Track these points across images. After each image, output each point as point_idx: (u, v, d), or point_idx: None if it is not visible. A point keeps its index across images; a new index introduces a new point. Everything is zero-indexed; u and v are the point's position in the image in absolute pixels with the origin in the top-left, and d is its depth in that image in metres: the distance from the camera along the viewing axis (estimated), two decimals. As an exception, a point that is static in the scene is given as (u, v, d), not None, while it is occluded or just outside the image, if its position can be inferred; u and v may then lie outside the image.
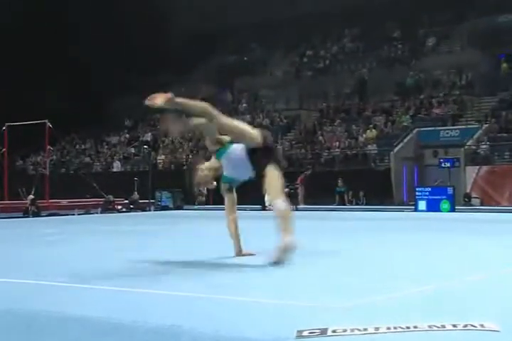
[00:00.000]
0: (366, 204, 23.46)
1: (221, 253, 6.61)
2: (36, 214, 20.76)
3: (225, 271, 5.57)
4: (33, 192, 23.18)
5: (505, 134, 24.60)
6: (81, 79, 34.72)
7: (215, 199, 25.50)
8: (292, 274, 5.27)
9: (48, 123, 25.32)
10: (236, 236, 6.34)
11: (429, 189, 20.19)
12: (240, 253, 6.33)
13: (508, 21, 30.02)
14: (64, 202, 24.25)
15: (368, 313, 3.55)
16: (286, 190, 21.42)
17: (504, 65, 27.89)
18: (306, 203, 23.68)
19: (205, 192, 25.51)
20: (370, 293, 4.21)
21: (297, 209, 21.38)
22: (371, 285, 4.60)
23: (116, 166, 32.70)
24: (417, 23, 33.03)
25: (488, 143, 24.35)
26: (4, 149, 25.26)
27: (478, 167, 23.29)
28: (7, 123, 25.62)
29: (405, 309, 3.69)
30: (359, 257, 6.62)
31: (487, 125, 25.30)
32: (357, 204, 24.09)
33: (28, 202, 21.75)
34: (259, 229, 8.67)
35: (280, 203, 5.80)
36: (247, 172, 6.18)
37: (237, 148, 6.11)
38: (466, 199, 22.23)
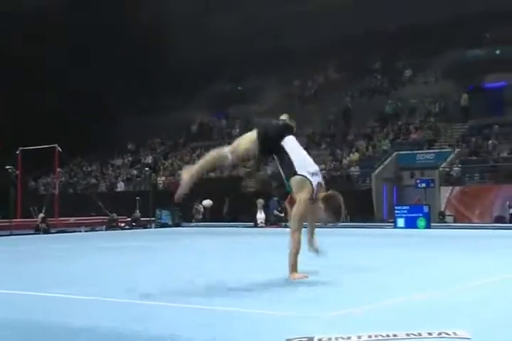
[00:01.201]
0: (350, 222, 23.41)
1: (217, 266, 6.60)
2: (46, 231, 20.63)
3: (218, 283, 5.56)
4: (43, 211, 23.03)
5: (474, 157, 24.71)
6: (88, 106, 34.72)
7: (211, 216, 25.57)
8: (281, 286, 5.27)
9: (58, 148, 25.32)
10: None
11: (407, 207, 20.16)
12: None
13: (476, 56, 30.32)
14: (72, 219, 24.12)
15: (351, 322, 3.55)
16: (276, 212, 21.58)
17: (465, 96, 27.98)
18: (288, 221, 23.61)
19: (201, 209, 25.48)
20: (353, 304, 4.21)
21: (286, 227, 21.41)
22: (353, 297, 4.61)
23: (120, 186, 32.64)
24: (395, 56, 33.28)
25: (459, 165, 24.42)
26: (18, 171, 25.16)
27: (451, 187, 23.32)
28: (20, 148, 25.59)
29: (385, 318, 3.69)
30: (344, 271, 6.60)
31: (459, 149, 25.40)
32: (341, 221, 24.03)
33: (39, 219, 21.62)
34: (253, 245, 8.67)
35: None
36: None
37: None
38: (441, 217, 22.21)
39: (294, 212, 5.47)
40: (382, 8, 31.77)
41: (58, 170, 28.47)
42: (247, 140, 5.84)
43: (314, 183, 5.49)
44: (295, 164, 5.57)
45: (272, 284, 5.38)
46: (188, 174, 5.71)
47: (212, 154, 5.86)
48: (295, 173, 5.54)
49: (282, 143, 5.67)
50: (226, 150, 5.77)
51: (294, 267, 5.47)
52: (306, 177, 5.49)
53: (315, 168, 5.71)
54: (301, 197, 5.40)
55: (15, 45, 32.49)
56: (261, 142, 5.74)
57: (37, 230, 20.86)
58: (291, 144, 5.69)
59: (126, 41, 35.26)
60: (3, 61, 31.38)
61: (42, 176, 34.85)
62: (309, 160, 5.78)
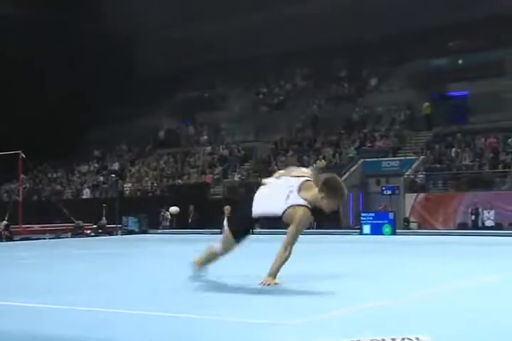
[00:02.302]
0: (315, 228, 23.51)
1: (184, 272, 6.58)
2: (9, 239, 20.34)
3: (187, 290, 5.56)
4: (6, 218, 22.69)
5: (438, 165, 24.96)
6: (53, 112, 34.32)
7: (178, 223, 25.47)
8: (249, 293, 5.29)
9: (22, 154, 24.99)
10: None
11: (373, 214, 20.34)
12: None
13: (440, 65, 30.72)
14: (36, 227, 23.77)
15: (317, 329, 3.58)
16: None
17: (426, 104, 28.28)
18: (262, 227, 23.63)
19: (168, 216, 25.36)
20: (318, 311, 4.25)
21: (253, 233, 21.36)
22: (321, 303, 4.65)
23: (86, 193, 32.31)
24: (361, 64, 33.55)
25: (424, 173, 24.67)
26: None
27: (415, 194, 23.52)
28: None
29: (351, 324, 3.73)
30: (311, 278, 6.63)
31: (423, 157, 25.62)
32: (308, 228, 24.11)
33: (2, 227, 21.30)
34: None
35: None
36: None
37: None
38: (406, 224, 22.41)
39: (293, 228, 5.61)
40: (349, 18, 32.03)
41: (22, 176, 28.10)
42: None
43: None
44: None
45: (241, 290, 5.39)
46: None
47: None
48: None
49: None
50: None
51: (276, 274, 5.59)
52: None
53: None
54: (299, 214, 5.55)
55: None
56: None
57: None
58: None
59: (98, 49, 35.00)
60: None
61: (4, 183, 34.32)
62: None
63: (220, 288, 5.57)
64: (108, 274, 7.38)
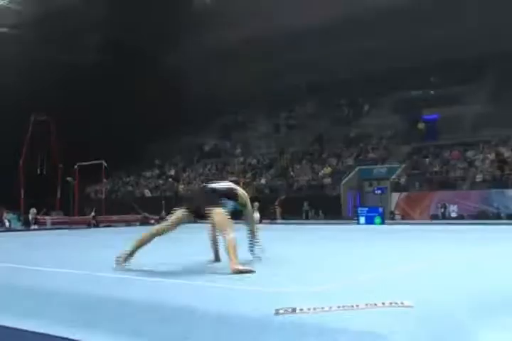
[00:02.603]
0: (324, 219, 23.44)
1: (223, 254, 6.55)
2: (96, 226, 20.62)
3: (222, 267, 5.53)
4: (94, 211, 23.02)
5: (416, 171, 24.78)
6: (126, 132, 34.70)
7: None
8: (272, 269, 5.25)
9: (104, 163, 25.37)
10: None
11: (367, 208, 20.21)
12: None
13: (416, 95, 30.55)
14: (114, 217, 24.09)
15: (324, 296, 3.54)
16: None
17: (420, 124, 28.15)
18: (282, 218, 23.62)
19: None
20: (324, 282, 4.20)
21: (276, 223, 21.37)
22: (326, 277, 4.60)
23: (147, 193, 32.52)
24: (357, 94, 33.44)
25: (405, 177, 24.49)
26: (75, 181, 25.19)
27: (399, 193, 23.37)
28: (78, 163, 25.63)
29: (350, 293, 3.69)
30: (318, 256, 6.57)
31: (404, 165, 25.47)
32: (317, 219, 24.04)
33: (91, 217, 21.62)
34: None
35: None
36: None
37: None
38: (392, 216, 22.24)
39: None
40: (345, 57, 31.90)
41: (104, 180, 28.49)
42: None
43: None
44: None
45: (262, 267, 5.35)
46: None
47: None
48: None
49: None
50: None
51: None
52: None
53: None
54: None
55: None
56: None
57: (89, 225, 20.84)
58: None
59: (157, 86, 35.36)
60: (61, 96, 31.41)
61: (92, 184, 34.83)
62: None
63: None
64: (152, 253, 7.37)
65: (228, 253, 4.70)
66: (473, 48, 27.48)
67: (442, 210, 21.61)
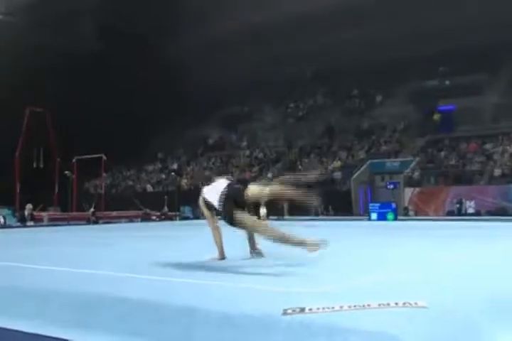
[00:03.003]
0: (334, 215, 23.43)
1: (228, 251, 6.56)
2: (95, 222, 20.71)
3: (229, 264, 5.55)
4: (93, 206, 23.11)
5: (430, 165, 24.71)
6: (127, 125, 34.77)
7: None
8: (279, 268, 5.25)
9: (104, 157, 25.44)
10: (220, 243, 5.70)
11: (379, 204, 20.18)
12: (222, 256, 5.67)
13: (431, 85, 30.40)
14: (114, 213, 24.19)
15: (334, 296, 3.54)
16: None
17: (435, 116, 28.07)
18: (289, 215, 23.63)
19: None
20: (335, 281, 4.20)
21: (283, 219, 21.37)
22: (337, 275, 4.59)
23: (149, 188, 32.62)
24: (369, 84, 33.32)
25: (419, 171, 24.42)
26: (74, 175, 25.29)
27: (413, 188, 23.31)
28: (76, 157, 25.73)
29: (362, 292, 3.68)
30: (328, 255, 6.55)
31: (418, 158, 25.39)
32: (327, 215, 24.04)
33: (90, 213, 21.71)
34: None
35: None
36: None
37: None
38: (405, 211, 22.21)
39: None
40: (360, 46, 31.85)
41: (104, 174, 28.57)
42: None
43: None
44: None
45: (269, 266, 5.36)
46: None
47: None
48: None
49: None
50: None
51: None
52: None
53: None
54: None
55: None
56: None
57: (88, 221, 20.94)
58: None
59: (159, 77, 35.38)
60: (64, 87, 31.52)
61: (92, 179, 34.95)
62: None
63: (251, 263, 5.52)
64: (167, 252, 7.41)
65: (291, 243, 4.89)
66: (491, 35, 27.28)
67: (458, 206, 21.54)
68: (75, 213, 24.11)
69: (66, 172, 24.28)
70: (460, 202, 21.52)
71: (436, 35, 29.62)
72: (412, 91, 30.66)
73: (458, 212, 21.38)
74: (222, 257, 5.64)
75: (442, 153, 25.19)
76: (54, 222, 20.69)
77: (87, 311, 3.42)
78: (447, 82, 30.25)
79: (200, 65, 36.42)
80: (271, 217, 19.94)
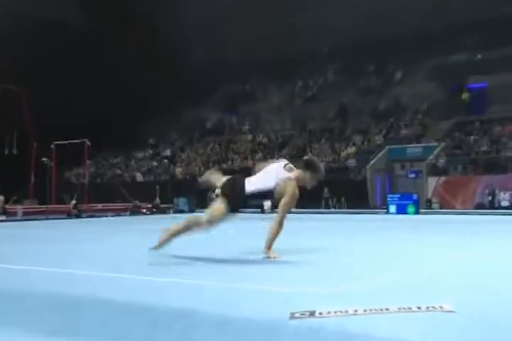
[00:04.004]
0: (347, 208, 23.46)
1: (225, 247, 6.60)
2: (77, 216, 20.76)
3: (229, 262, 5.56)
4: (75, 198, 23.17)
5: (458, 151, 24.65)
6: (113, 106, 34.74)
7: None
8: (286, 265, 5.26)
9: (87, 142, 25.44)
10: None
11: (398, 195, 20.19)
12: None
13: (458, 60, 30.18)
14: (99, 206, 24.24)
15: (348, 298, 3.54)
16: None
17: (464, 95, 27.92)
18: (297, 207, 23.65)
19: (215, 197, 25.53)
20: (350, 281, 4.20)
21: (290, 212, 21.41)
22: (351, 275, 4.59)
23: (138, 177, 32.70)
24: (387, 60, 33.16)
25: (445, 158, 24.38)
26: (52, 163, 25.31)
27: (437, 177, 23.30)
28: (55, 142, 25.73)
29: (379, 294, 3.68)
30: (341, 252, 6.60)
31: (444, 143, 25.33)
32: (339, 207, 24.07)
33: (71, 206, 21.77)
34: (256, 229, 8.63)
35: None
36: None
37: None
38: (428, 204, 22.22)
39: (285, 201, 5.55)
40: (376, 18, 31.67)
41: (87, 161, 28.61)
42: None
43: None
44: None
45: (275, 264, 5.36)
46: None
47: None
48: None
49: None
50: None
51: (270, 247, 5.58)
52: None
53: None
54: (290, 187, 5.52)
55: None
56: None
57: (69, 215, 20.99)
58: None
59: (152, 52, 35.28)
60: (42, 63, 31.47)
61: (73, 167, 35.00)
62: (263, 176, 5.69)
63: (258, 262, 5.54)
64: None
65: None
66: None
67: (490, 198, 21.52)
68: (54, 206, 24.17)
69: (44, 159, 24.33)
70: (492, 194, 21.49)
71: (464, 1, 29.39)
72: (436, 66, 30.50)
73: (490, 205, 21.35)
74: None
75: (471, 138, 25.14)
76: (30, 216, 20.74)
77: (67, 315, 3.42)
78: (478, 56, 30.06)
79: (197, 40, 36.30)
80: (276, 210, 19.97)
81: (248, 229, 10.50)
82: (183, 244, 8.01)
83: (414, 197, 19.64)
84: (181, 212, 23.69)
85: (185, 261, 5.75)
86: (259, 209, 20.61)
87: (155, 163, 33.90)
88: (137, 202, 23.67)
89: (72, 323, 3.25)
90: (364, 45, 32.55)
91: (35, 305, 3.69)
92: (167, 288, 4.12)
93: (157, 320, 3.21)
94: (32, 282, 4.49)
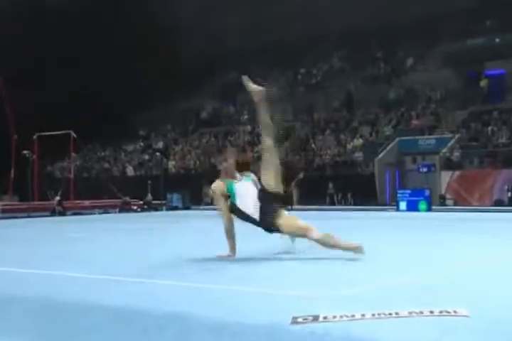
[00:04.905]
0: (353, 205, 23.46)
1: (223, 247, 6.59)
2: (62, 214, 20.78)
3: (226, 263, 5.57)
4: (59, 194, 23.17)
5: (474, 143, 24.61)
6: (101, 94, 34.69)
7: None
8: (288, 267, 5.27)
9: (73, 134, 25.43)
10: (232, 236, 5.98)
11: (409, 191, 20.19)
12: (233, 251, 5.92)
13: (475, 44, 30.10)
14: (86, 202, 24.25)
15: (354, 302, 3.55)
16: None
17: (482, 82, 27.87)
18: (299, 204, 23.67)
19: (210, 193, 25.52)
20: (357, 284, 4.21)
21: (292, 209, 21.43)
22: (358, 277, 4.61)
23: (129, 171, 32.69)
24: (397, 45, 33.08)
25: (460, 150, 24.35)
26: (35, 156, 25.29)
27: (451, 172, 23.26)
28: (37, 133, 25.70)
29: (388, 298, 3.69)
30: (347, 252, 6.59)
31: (459, 135, 25.30)
32: (345, 204, 24.07)
33: (55, 202, 21.78)
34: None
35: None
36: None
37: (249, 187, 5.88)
38: (441, 200, 22.20)
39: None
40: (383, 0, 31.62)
41: (73, 155, 28.60)
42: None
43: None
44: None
45: (276, 265, 5.38)
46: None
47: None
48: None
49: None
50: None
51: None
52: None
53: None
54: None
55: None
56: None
57: (53, 212, 21.00)
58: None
59: (143, 36, 35.20)
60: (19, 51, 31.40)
61: (58, 161, 34.96)
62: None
63: (254, 262, 5.56)
64: (150, 248, 7.44)
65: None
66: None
67: (510, 194, 21.51)
68: (36, 203, 24.16)
69: (25, 151, 24.28)
70: (512, 189, 21.52)
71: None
72: (450, 52, 30.41)
73: (509, 202, 21.35)
74: (233, 254, 5.82)
75: (489, 128, 25.09)
76: (10, 213, 20.73)
77: (54, 320, 3.43)
78: (496, 40, 29.97)
79: (193, 25, 36.22)
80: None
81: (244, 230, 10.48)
82: (177, 245, 8.04)
83: (427, 192, 19.63)
84: (175, 209, 23.72)
85: (179, 262, 5.76)
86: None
87: (146, 157, 33.89)
88: (127, 199, 23.69)
89: (59, 329, 3.27)
90: (372, 28, 32.48)
91: (20, 310, 3.71)
92: (160, 291, 4.13)
93: (149, 325, 3.22)
94: (16, 286, 4.50)
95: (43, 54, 32.52)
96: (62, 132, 25.27)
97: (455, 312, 3.15)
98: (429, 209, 19.02)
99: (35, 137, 25.72)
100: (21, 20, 31.85)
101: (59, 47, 33.04)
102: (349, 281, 4.36)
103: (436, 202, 21.26)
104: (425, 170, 22.27)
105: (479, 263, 5.58)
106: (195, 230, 11.70)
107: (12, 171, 26.55)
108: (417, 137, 25.98)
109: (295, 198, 24.18)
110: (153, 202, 24.24)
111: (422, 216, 16.85)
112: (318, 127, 30.91)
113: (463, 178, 22.94)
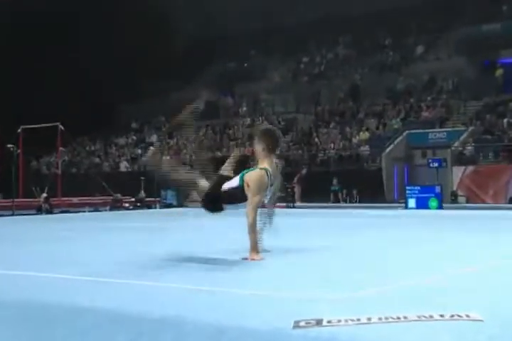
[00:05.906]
0: (359, 202, 23.49)
1: (221, 247, 6.61)
2: (49, 212, 20.78)
3: (225, 264, 5.58)
4: (46, 191, 23.16)
5: (489, 136, 24.61)
6: (91, 85, 34.66)
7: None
8: (289, 268, 5.28)
9: (60, 126, 25.39)
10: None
11: (419, 187, 20.20)
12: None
13: (490, 30, 30.04)
14: (75, 200, 24.25)
15: (360, 305, 3.55)
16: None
17: (497, 72, 27.83)
18: (302, 201, 23.71)
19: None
20: (362, 286, 4.21)
21: (294, 207, 21.47)
22: (363, 278, 4.61)
23: (124, 166, 32.70)
24: (406, 32, 33.06)
25: (473, 144, 24.36)
26: (19, 150, 25.26)
27: (464, 167, 23.29)
28: (22, 126, 25.66)
29: (395, 301, 3.69)
30: (352, 252, 6.62)
31: (472, 127, 25.31)
32: (350, 202, 24.10)
33: (42, 200, 21.77)
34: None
35: None
36: None
37: None
38: (453, 197, 22.25)
39: (250, 194, 5.64)
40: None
41: (61, 149, 28.57)
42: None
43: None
44: None
45: (278, 265, 5.39)
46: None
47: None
48: None
49: None
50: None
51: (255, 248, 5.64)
52: None
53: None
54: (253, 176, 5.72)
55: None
56: None
57: (39, 210, 21.00)
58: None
59: (134, 24, 35.16)
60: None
61: (44, 155, 34.96)
62: None
63: (258, 263, 5.56)
64: (143, 247, 7.45)
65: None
66: None
67: (526, 191, 21.58)
68: (21, 200, 24.14)
69: (9, 146, 24.23)
70: (530, 186, 21.56)
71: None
72: (463, 39, 30.40)
73: (526, 199, 21.42)
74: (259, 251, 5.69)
75: (505, 121, 25.09)
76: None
77: (41, 325, 3.44)
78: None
79: (188, 11, 36.16)
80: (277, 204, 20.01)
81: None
82: (173, 244, 8.04)
83: (437, 189, 19.66)
84: (169, 206, 23.71)
85: (174, 263, 5.77)
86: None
87: (139, 151, 33.88)
88: (118, 196, 23.69)
89: (48, 335, 3.27)
90: (379, 14, 32.45)
91: (5, 314, 3.71)
92: (154, 293, 4.13)
93: (144, 329, 3.22)
94: (3, 288, 4.50)
95: (27, 42, 32.47)
96: (49, 124, 25.24)
97: (467, 316, 3.14)
98: (439, 207, 19.04)
99: (20, 130, 25.68)
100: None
101: (46, 35, 33.02)
102: (354, 284, 4.36)
103: (447, 199, 21.30)
104: (436, 165, 22.25)
105: (492, 265, 5.58)
106: (190, 229, 11.70)
107: (-5, 167, 26.53)
108: (427, 130, 26.02)
109: (297, 195, 24.24)
110: (147, 199, 24.23)
111: (432, 214, 16.86)
112: (322, 119, 30.91)
113: (476, 174, 22.96)
